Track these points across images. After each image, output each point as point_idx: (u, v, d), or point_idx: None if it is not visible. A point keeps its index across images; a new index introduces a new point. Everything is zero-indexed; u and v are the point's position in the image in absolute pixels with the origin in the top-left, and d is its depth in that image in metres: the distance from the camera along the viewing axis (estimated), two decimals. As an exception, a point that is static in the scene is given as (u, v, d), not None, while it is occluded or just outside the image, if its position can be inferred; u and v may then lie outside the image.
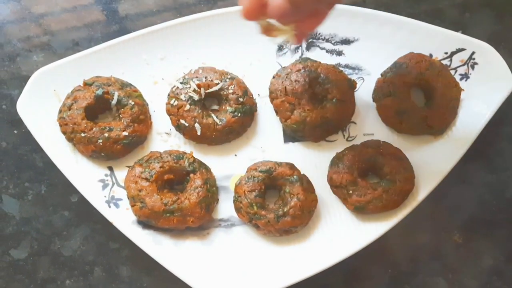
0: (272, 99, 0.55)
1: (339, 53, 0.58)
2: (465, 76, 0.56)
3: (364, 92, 0.57)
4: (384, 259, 0.56)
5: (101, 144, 0.52)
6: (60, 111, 0.54)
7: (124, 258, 0.55)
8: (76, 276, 0.55)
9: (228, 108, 0.54)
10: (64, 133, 0.53)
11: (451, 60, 0.56)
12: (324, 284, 0.55)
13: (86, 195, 0.52)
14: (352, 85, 0.55)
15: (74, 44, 0.59)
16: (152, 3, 0.61)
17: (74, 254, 0.55)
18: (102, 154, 0.53)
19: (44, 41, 0.60)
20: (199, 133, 0.53)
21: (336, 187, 0.53)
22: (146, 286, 0.55)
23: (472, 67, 0.56)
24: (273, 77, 0.56)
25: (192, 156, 0.54)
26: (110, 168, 0.54)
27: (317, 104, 0.54)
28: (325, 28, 0.57)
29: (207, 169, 0.54)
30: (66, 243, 0.56)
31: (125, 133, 0.53)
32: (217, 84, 0.54)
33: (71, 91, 0.54)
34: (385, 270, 0.56)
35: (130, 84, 0.56)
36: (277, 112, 0.55)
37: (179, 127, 0.54)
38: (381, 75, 0.56)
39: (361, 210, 0.52)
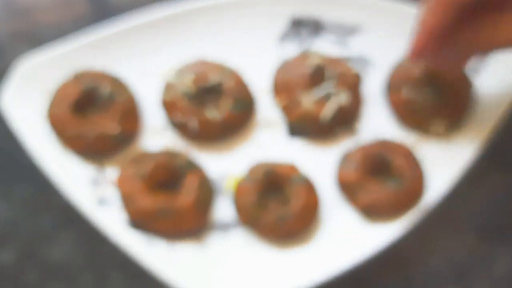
0: (275, 94, 0.53)
1: (345, 45, 0.55)
2: (478, 70, 0.54)
3: (372, 86, 0.54)
4: (395, 265, 0.53)
5: (90, 141, 0.50)
6: (47, 106, 0.52)
7: (115, 262, 0.53)
8: (64, 281, 0.52)
9: (225, 103, 0.52)
10: (50, 129, 0.51)
11: None
12: (328, 290, 0.52)
13: (73, 195, 0.50)
14: (359, 78, 0.53)
15: (62, 35, 0.57)
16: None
17: (63, 258, 0.53)
18: (91, 151, 0.51)
19: (32, 33, 0.57)
20: (195, 129, 0.51)
21: (343, 187, 0.51)
22: (138, 292, 0.52)
23: (485, 60, 0.53)
24: (276, 71, 0.54)
25: (187, 154, 0.51)
26: (100, 167, 0.52)
27: (322, 98, 0.52)
28: (331, 18, 0.55)
29: (203, 168, 0.51)
30: (54, 246, 0.53)
31: (116, 129, 0.51)
32: (215, 77, 0.52)
33: (59, 85, 0.52)
34: (396, 276, 0.53)
35: (122, 78, 0.53)
36: (280, 107, 0.53)
37: (174, 123, 0.52)
38: (391, 68, 0.54)
39: (371, 210, 0.50)
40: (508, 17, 0.40)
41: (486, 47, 0.44)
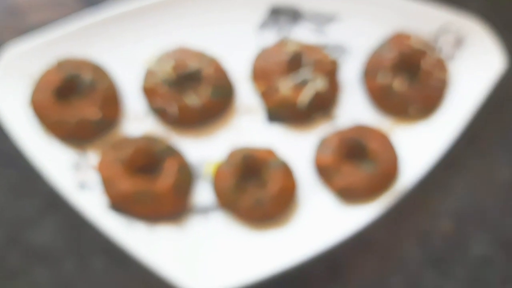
0: (253, 80, 0.54)
1: (322, 33, 0.56)
2: (453, 56, 0.55)
3: (349, 73, 0.55)
4: (371, 249, 0.54)
5: (72, 127, 0.51)
6: (30, 93, 0.52)
7: (98, 247, 0.53)
8: (47, 266, 0.53)
9: (205, 89, 0.53)
10: (34, 116, 0.52)
11: (438, 40, 0.55)
12: (307, 274, 0.53)
13: (54, 180, 0.50)
14: (336, 65, 0.54)
15: (44, 24, 0.58)
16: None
17: (45, 244, 0.54)
18: (73, 137, 0.52)
19: (15, 22, 0.58)
20: (175, 115, 0.52)
21: (320, 170, 0.52)
22: (121, 276, 0.53)
23: (460, 47, 0.55)
24: (255, 58, 0.55)
25: (167, 140, 0.52)
26: (81, 152, 0.53)
27: (300, 85, 0.53)
28: (309, 7, 0.56)
29: (182, 153, 0.52)
30: (37, 231, 0.54)
31: (97, 115, 0.52)
32: (194, 65, 0.53)
33: (42, 73, 0.53)
34: (373, 260, 0.54)
35: (103, 66, 0.54)
36: (259, 94, 0.54)
37: (154, 109, 0.53)
38: (367, 55, 0.55)
39: (347, 193, 0.51)
40: None
41: None
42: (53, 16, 0.59)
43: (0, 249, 0.54)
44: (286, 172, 0.51)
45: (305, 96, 0.52)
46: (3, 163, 0.55)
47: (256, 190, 0.51)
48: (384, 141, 0.52)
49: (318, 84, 0.52)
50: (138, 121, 0.54)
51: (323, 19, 0.56)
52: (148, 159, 0.51)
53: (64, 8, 0.59)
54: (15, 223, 0.54)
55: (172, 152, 0.51)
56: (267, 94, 0.53)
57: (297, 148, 0.53)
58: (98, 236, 0.53)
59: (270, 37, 0.56)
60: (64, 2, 0.60)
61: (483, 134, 0.57)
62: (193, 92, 0.53)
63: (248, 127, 0.54)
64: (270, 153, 0.51)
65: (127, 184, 0.49)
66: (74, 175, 0.51)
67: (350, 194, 0.51)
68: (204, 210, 0.52)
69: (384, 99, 0.53)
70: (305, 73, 0.53)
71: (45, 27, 0.58)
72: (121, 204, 0.50)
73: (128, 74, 0.55)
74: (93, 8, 0.58)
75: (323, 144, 0.52)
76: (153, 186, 0.50)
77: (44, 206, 0.54)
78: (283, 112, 0.53)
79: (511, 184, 0.56)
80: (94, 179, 0.52)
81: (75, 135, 0.52)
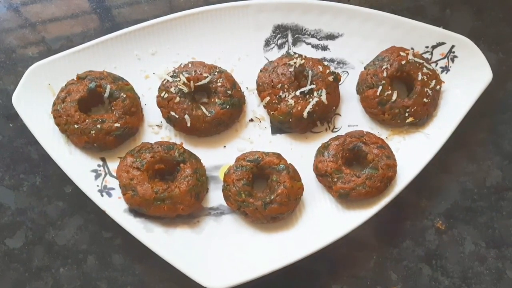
0: (259, 92, 0.57)
1: (324, 48, 0.59)
2: (446, 69, 0.58)
3: (349, 85, 0.59)
4: (369, 247, 0.57)
5: (94, 135, 0.54)
6: (54, 104, 0.55)
7: (116, 246, 0.57)
8: (70, 264, 0.56)
9: (217, 100, 0.56)
10: (58, 125, 0.55)
11: (432, 54, 0.58)
12: (311, 270, 0.56)
13: (79, 185, 0.53)
14: (336, 78, 0.57)
15: (68, 40, 0.61)
16: (144, 0, 0.63)
17: (68, 243, 0.57)
18: (95, 145, 0.54)
19: (39, 38, 0.61)
20: (189, 124, 0.55)
21: (321, 175, 0.55)
22: (138, 273, 0.56)
23: (452, 60, 0.58)
24: (260, 71, 0.57)
25: (182, 147, 0.55)
26: (103, 159, 0.56)
27: (303, 96, 0.56)
28: (311, 24, 0.59)
29: (197, 159, 0.55)
30: (60, 232, 0.57)
31: (117, 124, 0.54)
32: (206, 77, 0.56)
33: (65, 85, 0.56)
34: (370, 256, 0.57)
35: (122, 78, 0.57)
36: (264, 105, 0.57)
37: (169, 119, 0.56)
38: (364, 68, 0.58)
39: (345, 197, 0.53)
40: None
41: None
42: (75, 30, 0.62)
43: (27, 248, 0.57)
44: (293, 177, 0.54)
45: (307, 107, 0.55)
46: (28, 170, 0.58)
47: (264, 193, 0.54)
48: (381, 147, 0.54)
49: (320, 95, 0.55)
50: (154, 130, 0.57)
51: (326, 35, 0.59)
52: (165, 165, 0.54)
53: (84, 22, 0.62)
54: (40, 224, 0.57)
55: (187, 158, 0.54)
56: (271, 105, 0.56)
57: (301, 155, 0.56)
58: (116, 236, 0.56)
59: (276, 52, 0.59)
60: (84, 16, 0.62)
61: (475, 139, 0.60)
62: (206, 103, 0.56)
63: (257, 135, 0.58)
64: (277, 158, 0.54)
65: (145, 188, 0.52)
66: (95, 181, 0.54)
67: (350, 198, 0.53)
68: (217, 212, 0.55)
69: (381, 109, 0.56)
70: (308, 85, 0.56)
71: (67, 41, 0.61)
72: (140, 206, 0.53)
73: (145, 86, 0.58)
74: (112, 23, 0.61)
75: (323, 151, 0.55)
76: (170, 190, 0.53)
77: (66, 208, 0.57)
78: (288, 122, 0.56)
79: (501, 186, 0.59)
80: (114, 184, 0.54)
81: (96, 143, 0.54)
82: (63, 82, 0.56)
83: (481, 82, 0.56)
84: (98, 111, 0.57)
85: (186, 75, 0.56)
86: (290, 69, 0.56)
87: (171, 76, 0.56)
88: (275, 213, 0.53)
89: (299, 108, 0.55)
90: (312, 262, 0.53)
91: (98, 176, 0.55)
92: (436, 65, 0.58)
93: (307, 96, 0.56)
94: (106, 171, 0.55)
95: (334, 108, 0.57)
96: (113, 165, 0.56)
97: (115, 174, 0.55)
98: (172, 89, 0.55)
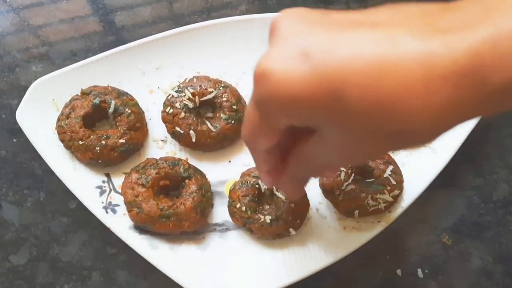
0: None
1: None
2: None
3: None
4: (375, 263, 0.57)
5: (98, 151, 0.54)
6: (58, 120, 0.55)
7: (121, 263, 0.56)
8: (74, 281, 0.56)
9: (222, 115, 0.56)
10: (62, 141, 0.54)
11: None
12: (316, 287, 0.55)
13: (84, 201, 0.53)
14: None
15: (72, 54, 0.61)
16: (148, 15, 0.62)
17: (72, 260, 0.56)
18: (100, 161, 0.54)
19: (43, 52, 0.61)
20: (194, 140, 0.55)
21: (327, 191, 0.54)
22: (143, 289, 0.56)
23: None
24: None
25: (187, 163, 0.55)
26: (107, 175, 0.56)
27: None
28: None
29: (202, 175, 0.55)
30: (65, 248, 0.57)
31: (122, 140, 0.54)
32: (211, 92, 0.55)
33: (69, 100, 0.56)
34: (376, 272, 0.57)
35: (127, 93, 0.57)
36: None
37: (174, 134, 0.56)
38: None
39: (352, 213, 0.53)
40: (314, 140, 0.32)
41: (310, 173, 0.39)
42: (79, 45, 0.61)
43: (31, 265, 0.56)
44: (298, 193, 0.53)
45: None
46: (32, 185, 0.58)
47: (270, 209, 0.53)
48: (388, 163, 0.54)
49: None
50: (159, 145, 0.57)
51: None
52: (170, 181, 0.54)
53: (88, 36, 0.62)
54: (44, 240, 0.57)
55: (192, 174, 0.54)
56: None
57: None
58: (121, 252, 0.56)
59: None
60: (87, 30, 0.62)
61: (481, 152, 0.60)
62: (211, 118, 0.56)
63: (262, 150, 0.57)
64: (282, 174, 0.54)
65: (150, 205, 0.52)
66: (100, 197, 0.54)
67: (356, 214, 0.53)
68: (222, 228, 0.55)
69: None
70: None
71: (71, 55, 0.61)
72: (145, 223, 0.52)
73: (150, 101, 0.58)
74: (116, 37, 0.61)
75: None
76: (175, 206, 0.52)
77: (70, 224, 0.57)
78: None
79: (508, 200, 0.59)
80: (118, 201, 0.54)
81: (101, 159, 0.54)
82: (67, 96, 0.56)
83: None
84: (102, 126, 0.57)
85: (191, 90, 0.55)
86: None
87: (176, 91, 0.56)
88: (281, 230, 0.52)
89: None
90: (316, 280, 0.53)
91: (103, 193, 0.55)
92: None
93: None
94: (111, 187, 0.55)
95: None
96: (118, 180, 0.55)
97: (119, 190, 0.55)
98: (177, 104, 0.55)
